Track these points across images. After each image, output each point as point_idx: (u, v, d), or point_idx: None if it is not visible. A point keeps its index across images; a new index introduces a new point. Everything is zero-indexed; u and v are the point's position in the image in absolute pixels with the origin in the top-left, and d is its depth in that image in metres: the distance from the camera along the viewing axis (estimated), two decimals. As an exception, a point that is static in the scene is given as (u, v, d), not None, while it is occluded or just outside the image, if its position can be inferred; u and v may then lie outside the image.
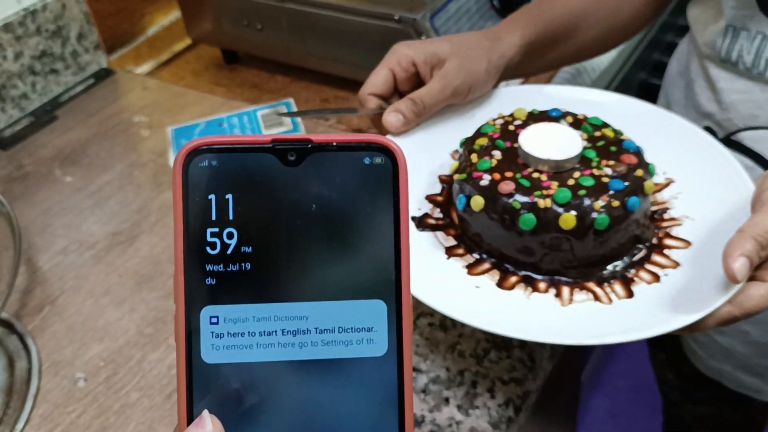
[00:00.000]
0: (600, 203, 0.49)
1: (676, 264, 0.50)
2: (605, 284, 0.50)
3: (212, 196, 0.26)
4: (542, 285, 0.50)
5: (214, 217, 0.26)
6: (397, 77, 0.59)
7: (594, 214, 0.49)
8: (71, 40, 0.88)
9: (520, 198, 0.49)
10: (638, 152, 0.53)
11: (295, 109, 0.75)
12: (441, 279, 0.51)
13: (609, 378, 1.56)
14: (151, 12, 1.04)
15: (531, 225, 0.49)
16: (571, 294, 0.50)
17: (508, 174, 0.51)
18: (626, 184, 0.50)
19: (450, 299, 0.47)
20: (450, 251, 0.53)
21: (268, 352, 0.27)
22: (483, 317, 0.46)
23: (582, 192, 0.49)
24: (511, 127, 0.56)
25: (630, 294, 0.49)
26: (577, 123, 0.56)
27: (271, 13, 0.87)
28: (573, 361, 0.82)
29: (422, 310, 0.57)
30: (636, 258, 0.52)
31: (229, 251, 0.26)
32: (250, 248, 0.26)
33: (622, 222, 0.49)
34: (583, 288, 0.50)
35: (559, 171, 0.51)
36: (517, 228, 0.49)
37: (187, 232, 0.26)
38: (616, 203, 0.49)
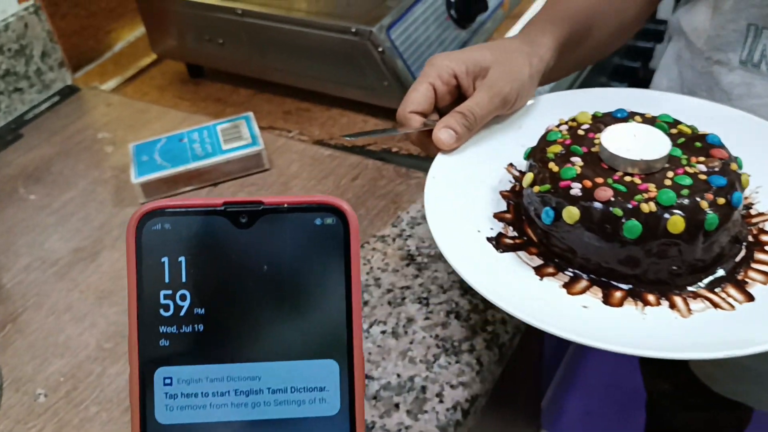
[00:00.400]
0: (706, 202, 0.46)
1: None
2: (717, 290, 0.47)
3: (165, 259, 0.27)
4: (651, 297, 0.47)
5: (167, 280, 0.27)
6: (438, 91, 0.56)
7: (703, 214, 0.46)
8: (35, 59, 0.89)
9: (621, 204, 0.46)
10: (724, 146, 0.50)
11: (254, 122, 0.77)
12: (545, 303, 0.47)
13: (583, 377, 1.58)
14: (116, 29, 1.05)
15: (636, 233, 0.45)
16: (686, 304, 0.47)
17: (599, 180, 0.48)
18: (726, 179, 0.47)
19: (572, 324, 0.44)
20: (540, 271, 0.50)
21: (222, 412, 0.27)
22: (625, 340, 0.42)
23: (685, 192, 0.46)
24: (581, 132, 0.53)
25: (749, 297, 0.46)
26: (648, 122, 0.53)
27: (231, 28, 0.89)
28: (530, 362, 0.84)
29: (376, 318, 0.58)
30: (738, 258, 0.49)
31: (182, 313, 0.27)
32: (203, 310, 0.27)
33: (728, 220, 0.47)
34: (696, 296, 0.47)
35: (650, 172, 0.48)
36: (621, 237, 0.46)
37: (141, 295, 0.27)
38: (721, 200, 0.46)
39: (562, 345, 1.36)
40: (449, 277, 0.62)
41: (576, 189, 0.48)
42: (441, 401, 0.53)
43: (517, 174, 0.56)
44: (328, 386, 0.27)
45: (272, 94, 0.94)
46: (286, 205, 0.27)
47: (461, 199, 0.53)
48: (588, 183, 0.47)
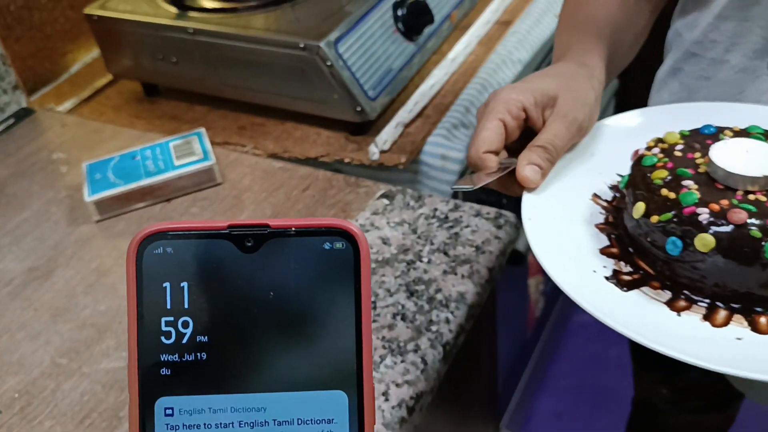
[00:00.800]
0: None
1: None
2: None
3: (167, 284, 0.26)
4: None
5: (168, 306, 0.26)
6: (508, 127, 0.52)
7: None
8: (-12, 83, 0.89)
9: (758, 225, 0.44)
10: None
11: (206, 138, 0.78)
12: (698, 341, 0.44)
13: (552, 379, 1.61)
14: (73, 50, 1.06)
15: None
16: None
17: (724, 202, 0.45)
18: None
19: (747, 363, 0.42)
20: (673, 306, 0.47)
21: None
22: None
23: None
24: (678, 153, 0.50)
25: None
26: (741, 135, 0.51)
27: (183, 47, 0.90)
28: (481, 361, 0.86)
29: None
30: None
31: (184, 341, 0.26)
32: (206, 337, 0.26)
33: None
34: None
35: None
36: (762, 260, 0.44)
37: (141, 321, 0.26)
38: None
39: (527, 345, 1.38)
40: (395, 281, 0.63)
41: (704, 214, 0.45)
42: (387, 399, 0.54)
43: (605, 204, 0.54)
44: (337, 418, 0.26)
45: (227, 110, 0.95)
46: (293, 229, 0.26)
47: (563, 238, 0.51)
48: (716, 207, 0.45)
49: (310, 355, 0.26)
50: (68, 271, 0.69)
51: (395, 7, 0.91)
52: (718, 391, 0.94)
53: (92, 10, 0.94)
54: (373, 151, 0.84)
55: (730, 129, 0.52)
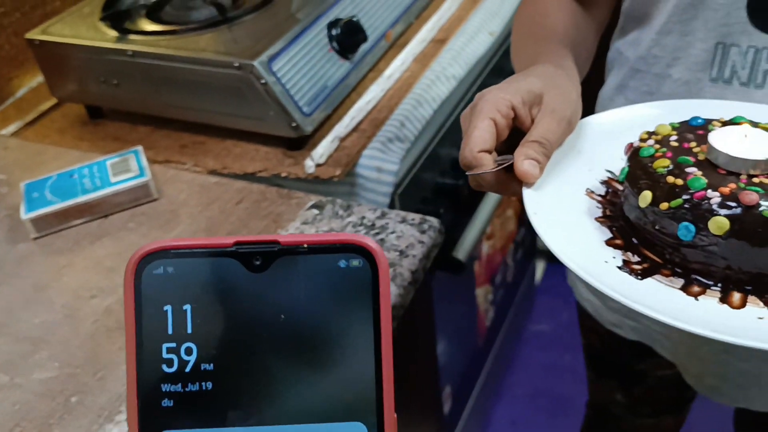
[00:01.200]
0: None
1: None
2: None
3: (168, 307, 0.24)
4: None
5: (170, 331, 0.24)
6: (498, 126, 0.52)
7: None
8: (-69, 108, 0.91)
9: (766, 204, 0.45)
10: None
11: (143, 155, 0.81)
12: (730, 323, 0.45)
13: (507, 387, 1.63)
14: (18, 75, 1.08)
15: None
16: None
17: (731, 185, 0.46)
18: None
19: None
20: (688, 291, 0.47)
21: None
22: None
23: None
24: (674, 143, 0.52)
25: None
26: (728, 125, 0.52)
27: (124, 69, 0.93)
28: (418, 366, 0.88)
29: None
30: None
31: (187, 369, 0.24)
32: (212, 365, 0.24)
33: None
34: None
35: None
36: None
37: (140, 348, 0.24)
38: None
39: (479, 355, 1.40)
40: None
41: (715, 198, 0.46)
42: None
43: (599, 199, 0.55)
44: None
45: (170, 129, 0.98)
46: (305, 246, 0.24)
47: (571, 233, 0.51)
48: (725, 190, 0.46)
49: (325, 384, 0.24)
50: (6, 288, 0.71)
51: (330, 26, 0.95)
52: (672, 395, 0.97)
53: (34, 35, 0.96)
54: (309, 165, 0.87)
55: (717, 120, 0.53)
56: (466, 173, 0.53)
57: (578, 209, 0.53)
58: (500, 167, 0.51)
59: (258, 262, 0.24)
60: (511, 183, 0.53)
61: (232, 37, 0.93)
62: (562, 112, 0.53)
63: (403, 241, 0.70)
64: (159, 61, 0.91)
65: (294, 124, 0.87)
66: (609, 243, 0.51)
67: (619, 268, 0.48)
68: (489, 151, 0.51)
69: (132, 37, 0.95)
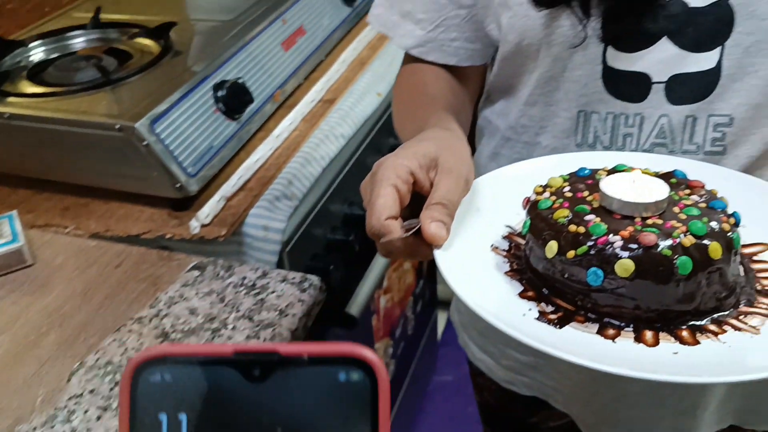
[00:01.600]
0: (725, 225, 0.49)
1: None
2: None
3: (163, 417, 0.23)
4: (713, 327, 0.49)
5: None
6: (400, 192, 0.53)
7: (729, 234, 0.49)
8: None
9: (666, 245, 0.48)
10: (685, 176, 0.55)
11: (17, 220, 0.79)
12: (639, 361, 0.46)
13: (421, 411, 1.62)
14: None
15: (688, 268, 0.47)
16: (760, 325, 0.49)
17: (629, 229, 0.49)
18: (722, 201, 0.51)
19: (700, 370, 0.45)
20: (604, 334, 0.49)
21: None
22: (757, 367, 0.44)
23: (705, 220, 0.49)
24: (568, 194, 0.54)
25: None
26: (612, 173, 0.56)
27: (1, 132, 0.91)
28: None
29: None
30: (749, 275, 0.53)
31: None
32: None
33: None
34: (748, 314, 0.50)
35: (662, 212, 0.51)
36: (676, 276, 0.47)
37: None
38: (731, 220, 0.50)
39: (394, 378, 1.40)
40: (198, 348, 0.65)
41: (617, 241, 0.48)
42: None
43: (504, 254, 0.56)
44: None
45: (52, 191, 0.96)
46: (306, 357, 0.24)
47: (487, 290, 0.52)
48: (625, 233, 0.48)
49: None
50: None
51: (215, 88, 0.96)
52: None
53: None
54: (194, 225, 0.87)
55: (602, 170, 0.56)
56: (376, 243, 0.53)
57: (488, 265, 0.55)
58: (409, 233, 0.52)
59: (257, 372, 0.24)
60: (420, 246, 0.53)
61: (115, 99, 0.92)
62: (458, 171, 0.54)
63: (283, 300, 0.71)
64: (37, 124, 0.89)
65: (178, 185, 0.87)
66: (522, 296, 0.52)
67: (537, 319, 0.50)
68: (395, 218, 0.52)
69: (11, 99, 0.93)
